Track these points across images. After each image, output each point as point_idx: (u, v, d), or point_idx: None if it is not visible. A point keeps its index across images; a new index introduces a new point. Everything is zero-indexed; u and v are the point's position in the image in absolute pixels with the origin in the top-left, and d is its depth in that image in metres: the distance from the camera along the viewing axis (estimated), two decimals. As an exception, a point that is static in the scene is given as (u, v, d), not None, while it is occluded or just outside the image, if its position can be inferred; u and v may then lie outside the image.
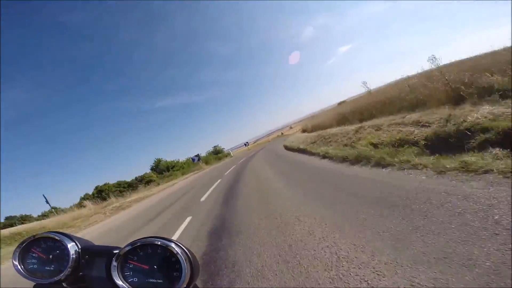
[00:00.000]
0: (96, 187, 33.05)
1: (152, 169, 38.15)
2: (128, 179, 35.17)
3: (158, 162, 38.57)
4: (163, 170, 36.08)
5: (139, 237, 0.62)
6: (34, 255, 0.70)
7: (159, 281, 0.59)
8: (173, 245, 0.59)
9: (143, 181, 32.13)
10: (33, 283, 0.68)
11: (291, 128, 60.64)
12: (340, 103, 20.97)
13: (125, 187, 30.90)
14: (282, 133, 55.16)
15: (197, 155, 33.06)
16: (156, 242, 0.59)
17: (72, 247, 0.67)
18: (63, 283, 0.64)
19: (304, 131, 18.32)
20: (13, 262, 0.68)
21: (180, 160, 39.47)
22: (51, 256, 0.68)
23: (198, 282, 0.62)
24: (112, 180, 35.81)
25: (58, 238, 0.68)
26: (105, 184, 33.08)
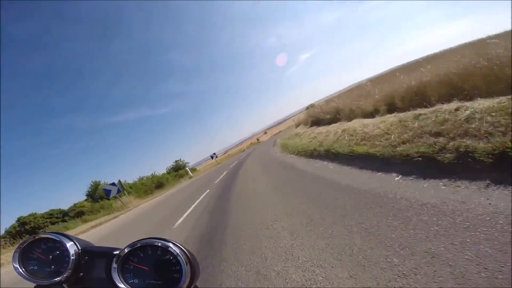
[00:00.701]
0: (19, 219, 25.94)
1: (88, 195, 27.88)
2: (66, 207, 25.68)
3: (95, 187, 27.78)
4: (101, 197, 26.07)
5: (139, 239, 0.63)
6: (34, 256, 0.68)
7: (159, 282, 0.59)
8: (173, 246, 0.60)
9: (72, 212, 24.11)
10: (33, 284, 0.66)
11: (265, 133, 66.06)
12: (308, 107, 23.83)
13: (58, 217, 25.18)
14: (258, 139, 57.43)
15: (114, 183, 16.97)
16: (156, 243, 0.60)
17: (72, 248, 0.67)
18: (63, 284, 0.64)
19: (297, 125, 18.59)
20: (13, 263, 0.67)
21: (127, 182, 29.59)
22: (51, 257, 0.67)
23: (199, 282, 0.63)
24: (45, 209, 25.86)
25: (58, 239, 0.68)
26: (30, 215, 24.53)
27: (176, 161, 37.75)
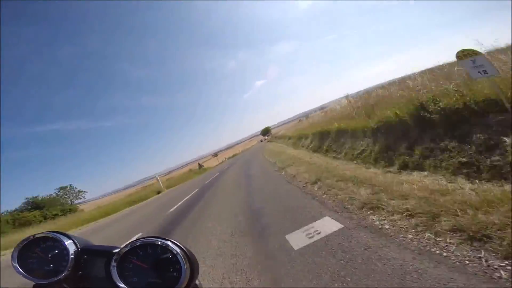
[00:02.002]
0: None
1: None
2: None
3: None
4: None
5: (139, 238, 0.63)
6: (33, 255, 0.67)
7: (158, 281, 0.59)
8: (172, 245, 0.60)
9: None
10: (32, 283, 0.65)
11: (215, 155, 50.03)
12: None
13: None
14: (200, 164, 38.20)
15: None
16: (156, 242, 0.60)
17: (71, 247, 0.68)
18: (62, 283, 0.64)
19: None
20: (12, 262, 0.64)
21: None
22: (50, 256, 0.67)
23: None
24: None
25: (57, 238, 0.68)
26: None
27: (61, 188, 23.20)
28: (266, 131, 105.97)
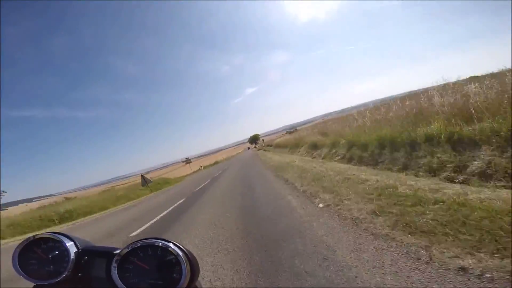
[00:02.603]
0: None
1: None
2: None
3: None
4: None
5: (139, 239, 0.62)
6: (34, 255, 0.66)
7: (159, 282, 0.59)
8: (173, 246, 0.60)
9: None
10: (33, 284, 0.64)
11: (187, 162, 38.09)
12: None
13: None
14: (144, 177, 17.04)
15: None
16: (157, 243, 0.61)
17: (72, 248, 0.67)
18: (63, 284, 0.64)
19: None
20: (12, 262, 0.64)
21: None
22: (50, 257, 0.66)
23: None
24: None
25: (58, 239, 0.68)
26: None
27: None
28: (254, 138, 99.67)
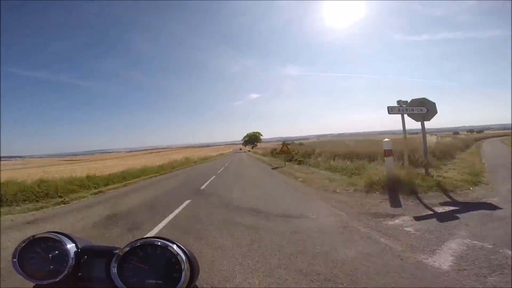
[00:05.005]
0: None
1: None
2: None
3: None
4: None
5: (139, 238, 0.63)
6: (33, 255, 0.66)
7: (158, 281, 0.59)
8: (173, 245, 0.60)
9: None
10: (32, 284, 0.63)
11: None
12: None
13: None
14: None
15: None
16: (156, 243, 0.60)
17: (71, 247, 0.67)
18: (62, 284, 0.63)
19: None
20: (12, 262, 0.63)
21: None
22: (50, 256, 0.66)
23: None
24: None
25: (58, 239, 0.67)
26: None
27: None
28: (252, 139, 77.59)
